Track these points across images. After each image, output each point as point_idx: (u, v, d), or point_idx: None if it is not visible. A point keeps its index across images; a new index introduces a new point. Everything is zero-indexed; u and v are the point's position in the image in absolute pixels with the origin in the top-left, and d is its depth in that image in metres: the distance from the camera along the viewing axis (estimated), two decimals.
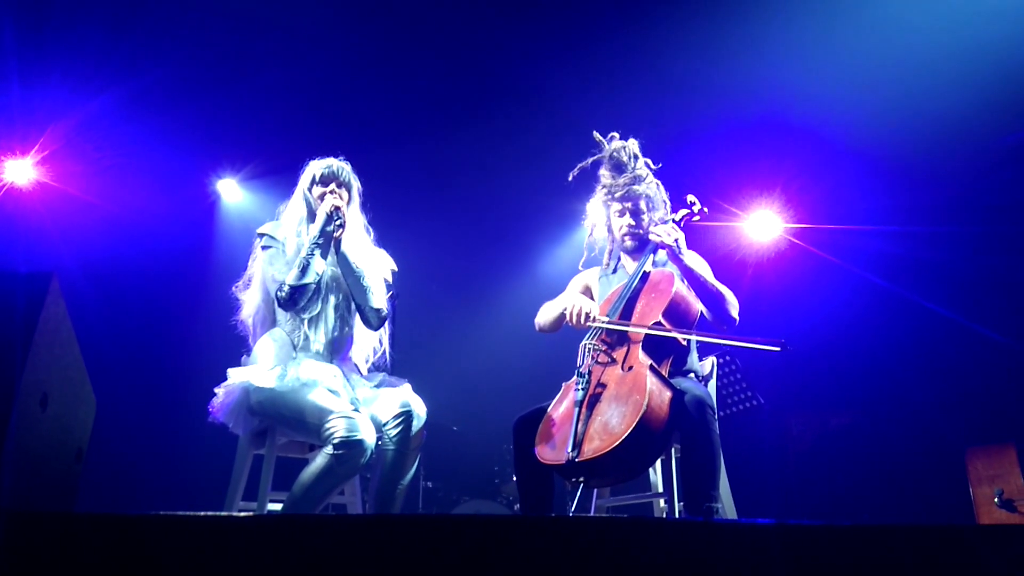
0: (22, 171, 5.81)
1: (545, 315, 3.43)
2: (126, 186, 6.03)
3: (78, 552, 1.53)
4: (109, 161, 5.93)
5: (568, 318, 3.19)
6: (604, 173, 3.51)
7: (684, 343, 3.11)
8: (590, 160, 3.54)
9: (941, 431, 5.51)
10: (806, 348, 6.10)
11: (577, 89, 6.11)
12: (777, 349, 2.86)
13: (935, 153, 5.56)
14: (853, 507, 5.57)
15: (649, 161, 3.51)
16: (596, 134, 3.55)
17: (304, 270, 3.06)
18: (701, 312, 3.23)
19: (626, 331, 3.06)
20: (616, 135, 3.54)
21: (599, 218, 3.56)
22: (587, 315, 3.17)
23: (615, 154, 3.48)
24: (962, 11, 5.13)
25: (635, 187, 3.40)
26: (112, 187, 5.98)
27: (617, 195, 3.42)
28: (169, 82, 5.76)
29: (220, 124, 6.13)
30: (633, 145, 3.51)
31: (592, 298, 3.55)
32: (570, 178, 3.55)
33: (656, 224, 3.39)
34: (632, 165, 3.46)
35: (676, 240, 3.23)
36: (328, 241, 3.18)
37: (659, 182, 3.51)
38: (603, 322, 3.14)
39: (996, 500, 4.76)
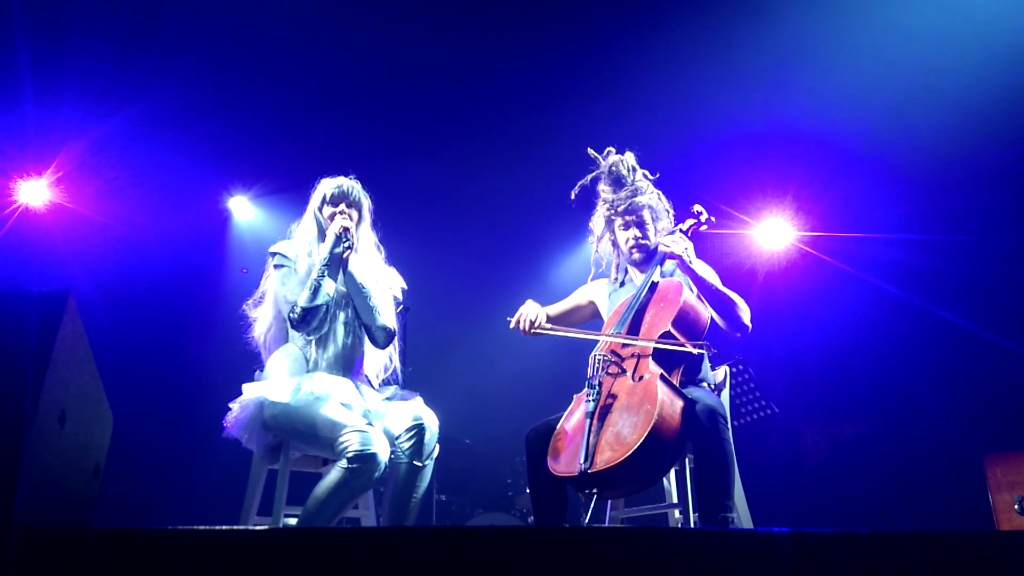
0: (37, 192, 5.87)
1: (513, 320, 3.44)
2: (139, 205, 6.08)
3: (96, 567, 1.55)
4: (122, 181, 5.98)
5: (522, 326, 3.24)
6: (604, 188, 3.50)
7: (696, 353, 3.10)
8: (589, 177, 3.54)
9: (959, 439, 5.46)
10: (820, 357, 6.08)
11: (586, 99, 6.13)
12: (703, 351, 3.04)
13: (951, 159, 5.52)
14: (870, 516, 5.54)
15: (647, 172, 3.51)
16: (591, 151, 3.55)
17: (315, 292, 3.08)
18: (712, 320, 3.23)
19: (564, 336, 3.27)
20: (612, 150, 3.53)
21: (603, 234, 3.54)
22: (531, 322, 3.22)
23: (613, 169, 3.47)
24: (979, 15, 5.11)
25: (637, 199, 3.40)
26: (125, 206, 6.03)
27: (620, 209, 3.42)
28: (181, 101, 5.81)
29: (231, 142, 6.18)
30: (630, 158, 3.50)
31: (599, 311, 3.55)
32: (572, 197, 3.55)
33: (663, 234, 3.40)
34: (631, 178, 3.45)
35: (685, 249, 3.23)
36: (337, 263, 3.20)
37: (660, 192, 3.51)
38: (548, 328, 3.25)
39: (1016, 507, 4.71)
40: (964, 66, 5.17)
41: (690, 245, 3.29)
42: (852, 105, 5.63)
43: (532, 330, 3.23)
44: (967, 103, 5.25)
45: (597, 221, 3.54)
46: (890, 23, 5.31)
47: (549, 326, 3.27)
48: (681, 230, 3.42)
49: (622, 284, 3.51)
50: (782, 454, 5.87)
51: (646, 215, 3.42)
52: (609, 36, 5.87)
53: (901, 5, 5.27)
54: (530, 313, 3.25)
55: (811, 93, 5.66)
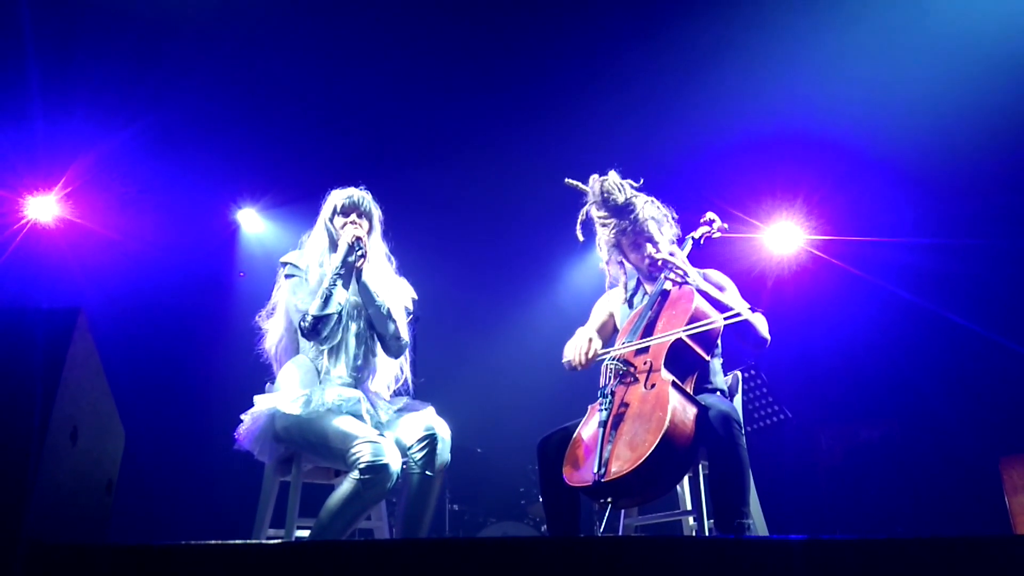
0: (46, 208, 5.89)
1: (565, 358, 3.30)
2: (148, 219, 6.11)
3: None
4: (131, 195, 6.00)
5: (576, 361, 3.14)
6: (599, 215, 3.40)
7: (707, 358, 3.09)
8: (583, 211, 3.44)
9: (973, 441, 5.43)
10: (832, 361, 6.05)
11: (596, 105, 6.12)
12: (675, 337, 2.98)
13: (964, 163, 5.49)
14: (886, 520, 5.50)
15: (630, 182, 3.42)
16: (569, 181, 3.45)
17: (326, 301, 3.08)
18: (729, 330, 3.20)
19: (631, 349, 3.10)
20: (596, 176, 3.42)
21: (611, 257, 3.47)
22: (587, 354, 3.13)
23: (602, 192, 3.37)
24: (992, 18, 5.08)
25: (637, 216, 3.33)
26: (134, 220, 6.06)
27: (626, 230, 3.35)
28: (189, 115, 5.85)
29: (240, 154, 6.20)
30: (614, 176, 3.41)
31: (615, 323, 3.53)
32: (580, 238, 3.46)
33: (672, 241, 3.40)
34: (622, 197, 3.36)
35: (684, 274, 3.20)
36: (350, 272, 3.20)
37: (652, 199, 3.43)
38: (604, 352, 3.13)
39: None
40: (976, 69, 5.15)
41: (690, 270, 3.24)
42: (863, 108, 5.61)
43: (594, 359, 3.14)
44: (979, 106, 5.21)
45: (603, 247, 3.46)
46: (902, 26, 5.29)
47: (604, 351, 3.18)
48: (693, 238, 3.40)
49: (634, 295, 3.48)
50: (796, 459, 5.84)
51: (651, 227, 3.35)
52: (618, 41, 5.87)
53: (912, 8, 5.25)
54: (584, 345, 3.15)
55: (822, 96, 5.64)
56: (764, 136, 5.85)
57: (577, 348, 3.16)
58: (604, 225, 3.40)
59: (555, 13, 5.77)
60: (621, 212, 3.35)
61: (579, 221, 3.47)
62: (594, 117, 6.11)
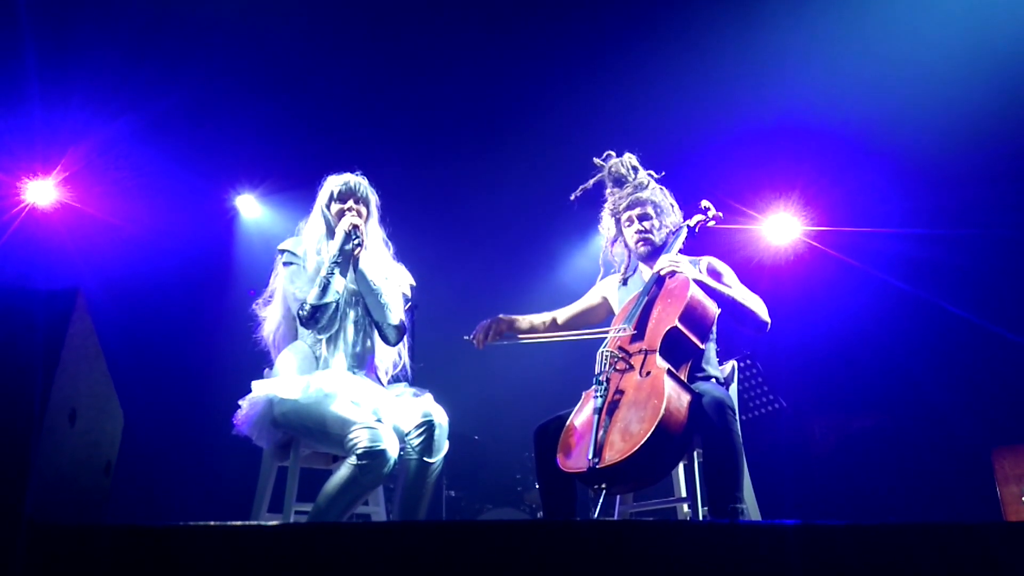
0: (44, 192, 5.88)
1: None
2: (146, 204, 6.09)
3: (107, 563, 1.56)
4: (129, 180, 5.99)
5: (473, 340, 3.42)
6: (609, 192, 3.56)
7: (702, 347, 3.11)
8: (591, 181, 3.61)
9: (966, 431, 5.46)
10: (827, 351, 6.07)
11: (594, 96, 6.12)
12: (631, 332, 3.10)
13: (958, 154, 5.51)
14: (878, 509, 5.53)
15: (652, 172, 3.55)
16: (596, 160, 3.61)
17: (324, 289, 3.08)
18: (725, 315, 3.23)
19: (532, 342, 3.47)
20: (612, 153, 3.59)
21: (615, 236, 3.56)
22: (487, 332, 3.41)
23: (613, 170, 3.54)
24: (986, 11, 5.10)
25: (639, 194, 3.45)
26: (132, 205, 6.04)
27: (622, 206, 3.46)
28: (187, 99, 5.82)
29: (238, 140, 6.19)
30: (630, 158, 3.56)
31: (611, 307, 3.56)
32: (572, 198, 3.62)
33: (670, 229, 3.43)
34: (633, 176, 3.51)
35: (680, 264, 3.23)
36: (347, 260, 3.20)
37: (664, 187, 3.53)
38: (510, 339, 3.47)
39: None
40: (970, 61, 5.17)
41: (684, 259, 3.27)
42: (859, 100, 5.62)
43: (491, 341, 3.41)
44: (973, 97, 5.23)
45: (605, 222, 3.57)
46: (896, 20, 5.31)
47: (503, 339, 3.47)
48: (689, 226, 3.44)
49: (628, 280, 3.52)
50: (790, 448, 5.86)
51: (650, 209, 3.44)
52: (617, 34, 5.87)
53: (906, 4, 5.27)
54: (487, 326, 3.44)
55: (818, 88, 5.65)
56: (762, 129, 5.86)
57: (480, 331, 3.42)
58: (609, 201, 3.54)
59: (554, 6, 5.77)
60: (625, 186, 3.48)
61: (580, 188, 3.63)
62: (592, 108, 6.11)
